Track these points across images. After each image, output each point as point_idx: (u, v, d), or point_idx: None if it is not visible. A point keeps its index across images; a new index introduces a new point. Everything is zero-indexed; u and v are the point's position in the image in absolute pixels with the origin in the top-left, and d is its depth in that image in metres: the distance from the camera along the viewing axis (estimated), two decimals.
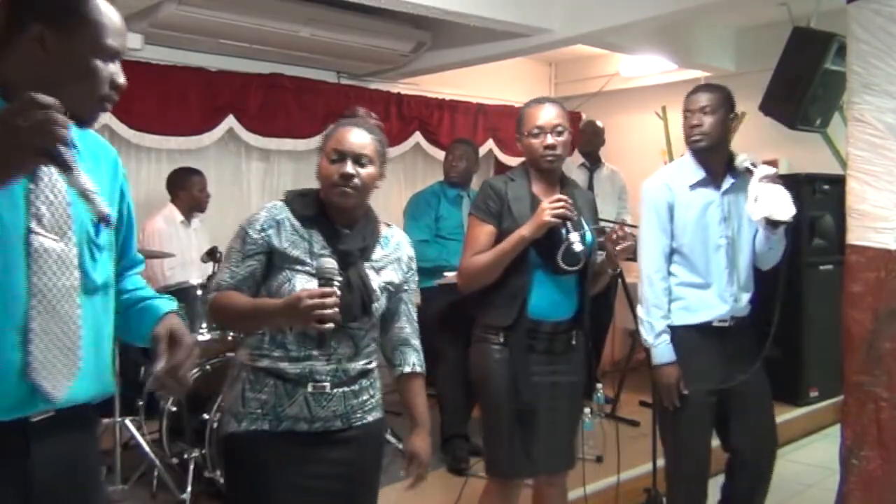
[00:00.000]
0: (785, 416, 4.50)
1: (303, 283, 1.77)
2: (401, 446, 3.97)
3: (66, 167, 1.15)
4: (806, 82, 3.81)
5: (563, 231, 2.26)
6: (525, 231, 2.28)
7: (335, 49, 4.81)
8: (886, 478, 2.56)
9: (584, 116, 6.39)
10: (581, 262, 2.32)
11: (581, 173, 5.26)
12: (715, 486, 2.79)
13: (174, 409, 3.38)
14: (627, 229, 2.35)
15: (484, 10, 4.11)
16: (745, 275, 2.66)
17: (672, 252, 2.66)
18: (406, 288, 2.02)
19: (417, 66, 5.29)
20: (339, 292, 1.66)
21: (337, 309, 1.64)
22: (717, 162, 2.63)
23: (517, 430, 2.34)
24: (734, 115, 2.65)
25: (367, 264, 1.88)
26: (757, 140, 5.16)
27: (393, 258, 1.96)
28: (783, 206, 2.42)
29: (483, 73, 5.65)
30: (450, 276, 3.40)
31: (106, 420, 3.29)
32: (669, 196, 2.64)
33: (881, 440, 2.56)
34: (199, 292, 3.42)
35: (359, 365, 1.88)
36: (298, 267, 1.80)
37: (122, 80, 1.39)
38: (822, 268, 4.80)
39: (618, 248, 2.29)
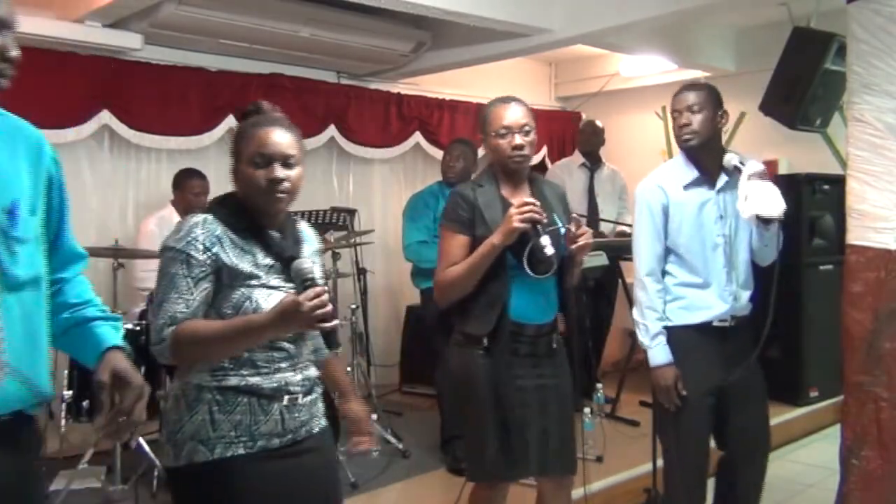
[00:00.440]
0: (785, 416, 4.50)
1: (264, 298, 1.69)
2: (401, 446, 3.98)
3: None
4: (806, 82, 3.81)
5: (533, 234, 2.21)
6: (495, 239, 2.22)
7: (335, 49, 4.81)
8: (886, 478, 2.56)
9: (584, 116, 6.40)
10: (554, 265, 2.29)
11: (581, 173, 5.26)
12: (712, 487, 2.80)
13: None
14: (585, 226, 2.28)
15: (484, 10, 4.11)
16: (744, 273, 2.65)
17: (668, 252, 2.66)
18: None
19: (417, 66, 5.29)
20: (328, 289, 1.61)
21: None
22: (709, 161, 2.62)
23: (500, 435, 2.30)
24: (723, 113, 2.64)
25: None
26: (757, 140, 5.17)
27: (313, 250, 1.91)
28: (772, 203, 2.40)
29: (483, 73, 5.65)
30: None
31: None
32: (663, 198, 2.63)
33: (881, 440, 2.56)
34: None
35: (314, 369, 1.85)
36: (253, 282, 1.70)
37: (14, 52, 1.30)
38: (822, 268, 4.80)
39: (574, 246, 2.25)
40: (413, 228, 4.05)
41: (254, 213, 1.76)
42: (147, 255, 3.60)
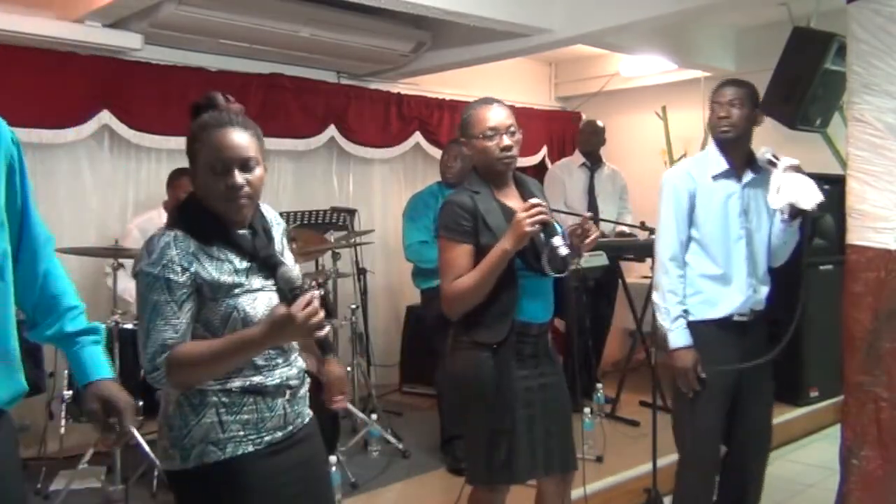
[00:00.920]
0: (785, 416, 4.50)
1: (250, 304, 1.67)
2: (401, 446, 3.97)
3: None
4: (806, 82, 3.81)
5: (543, 236, 2.20)
6: (507, 245, 2.19)
7: (335, 49, 4.81)
8: (886, 478, 2.55)
9: (584, 116, 6.40)
10: (570, 264, 2.26)
11: (582, 173, 5.26)
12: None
13: None
14: (590, 225, 2.28)
15: (484, 10, 4.11)
16: (763, 269, 2.72)
17: (690, 241, 2.70)
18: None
19: (417, 66, 5.29)
20: (318, 293, 1.58)
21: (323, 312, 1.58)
22: (738, 155, 2.70)
23: (506, 437, 2.28)
24: (759, 112, 2.70)
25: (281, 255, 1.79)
26: (757, 140, 5.12)
27: (280, 232, 1.87)
28: (809, 195, 2.46)
29: (483, 73, 5.64)
30: None
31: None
32: (692, 185, 2.69)
33: (881, 440, 2.56)
34: None
35: (302, 360, 1.87)
36: (237, 291, 1.67)
37: None
38: (822, 268, 4.79)
39: (585, 241, 2.25)
40: (413, 228, 4.05)
41: (218, 215, 1.71)
42: (129, 255, 3.59)
